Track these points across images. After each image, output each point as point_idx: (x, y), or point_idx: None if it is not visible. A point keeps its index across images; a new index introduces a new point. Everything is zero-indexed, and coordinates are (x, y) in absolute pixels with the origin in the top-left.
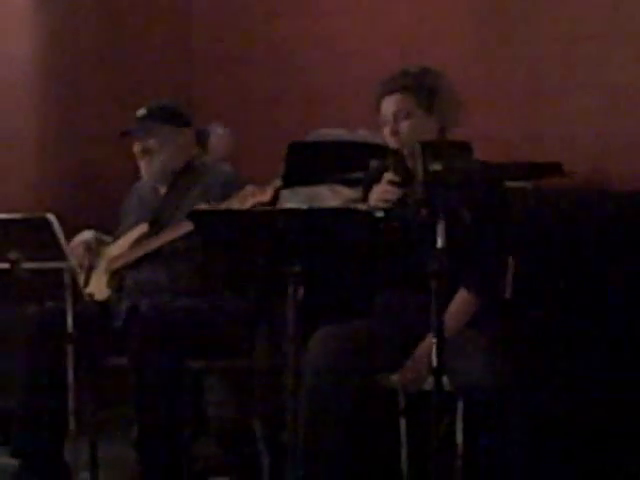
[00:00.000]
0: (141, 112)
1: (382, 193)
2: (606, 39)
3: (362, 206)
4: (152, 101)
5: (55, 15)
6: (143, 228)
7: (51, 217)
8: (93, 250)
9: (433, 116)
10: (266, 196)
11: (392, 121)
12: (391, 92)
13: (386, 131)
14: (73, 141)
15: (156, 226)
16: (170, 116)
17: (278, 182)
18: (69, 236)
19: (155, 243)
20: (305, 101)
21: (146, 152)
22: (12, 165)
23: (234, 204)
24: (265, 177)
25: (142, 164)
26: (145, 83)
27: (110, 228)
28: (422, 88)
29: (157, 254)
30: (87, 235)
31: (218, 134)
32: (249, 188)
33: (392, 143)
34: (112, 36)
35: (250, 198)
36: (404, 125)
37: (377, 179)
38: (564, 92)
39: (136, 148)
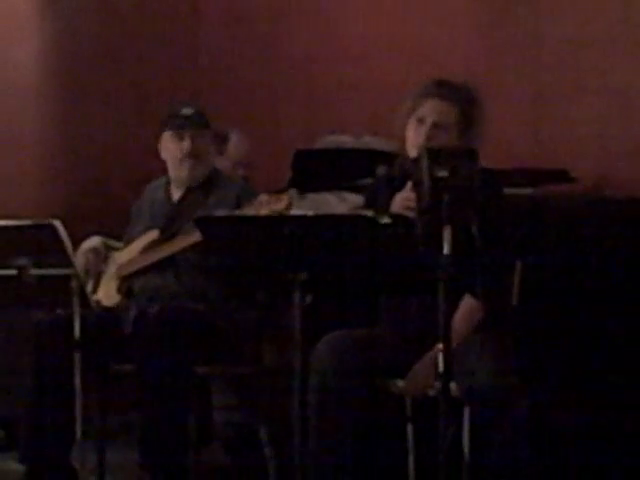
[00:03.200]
0: (189, 110)
1: (406, 201)
2: (612, 44)
3: (368, 213)
4: (188, 102)
5: (59, 19)
6: (154, 235)
7: (57, 223)
8: (101, 256)
9: (461, 138)
10: (282, 204)
11: (430, 125)
12: (444, 98)
13: (419, 129)
14: (79, 147)
15: (167, 234)
16: (207, 120)
17: (293, 191)
18: (75, 242)
19: (165, 251)
20: (309, 105)
21: (194, 153)
22: (18, 171)
23: (248, 212)
24: (268, 180)
25: (184, 164)
26: (150, 87)
27: (116, 234)
28: (468, 110)
29: (166, 261)
30: (94, 241)
31: (235, 139)
32: (263, 197)
33: (414, 143)
34: (117, 40)
35: (265, 206)
36: (439, 135)
37: (381, 186)
38: (570, 97)
39: (183, 146)
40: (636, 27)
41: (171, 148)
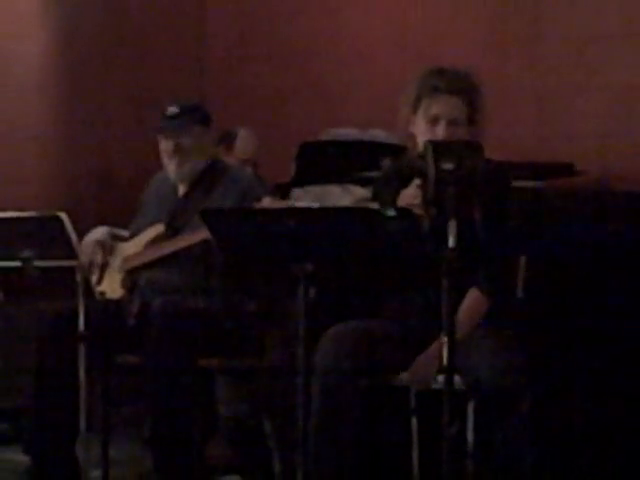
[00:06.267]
0: (173, 110)
1: (411, 197)
2: (615, 41)
3: (373, 205)
4: (180, 99)
5: (62, 17)
6: (159, 228)
7: (63, 215)
8: (107, 248)
9: (470, 130)
10: None
11: (446, 125)
12: (454, 93)
13: (434, 129)
14: (84, 140)
15: (172, 227)
16: (201, 115)
17: (295, 194)
18: (80, 234)
19: (171, 247)
20: (316, 100)
21: (178, 151)
22: (23, 164)
23: None
24: (273, 174)
25: (171, 163)
26: (156, 82)
27: (121, 226)
28: (475, 101)
29: (170, 255)
30: (101, 232)
31: (242, 136)
32: (266, 200)
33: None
34: (122, 36)
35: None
36: (456, 133)
37: (389, 179)
38: (573, 93)
39: (166, 146)
40: (638, 23)
41: (161, 148)
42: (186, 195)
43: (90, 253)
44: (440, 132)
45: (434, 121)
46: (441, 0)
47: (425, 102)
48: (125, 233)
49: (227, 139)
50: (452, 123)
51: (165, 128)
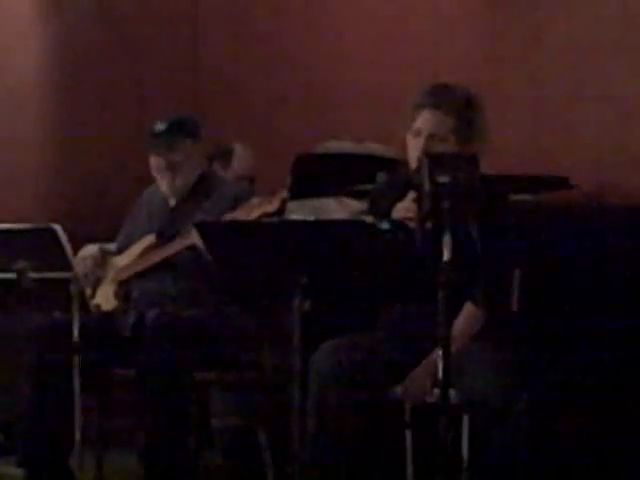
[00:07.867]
0: (161, 126)
1: (406, 211)
2: (612, 51)
3: (368, 218)
4: (169, 115)
5: (60, 24)
6: (150, 239)
7: (57, 227)
8: (99, 263)
9: (461, 145)
10: (272, 206)
11: (426, 138)
12: (436, 107)
13: (416, 142)
14: (79, 152)
15: (163, 238)
16: (190, 130)
17: (284, 193)
18: (75, 246)
19: (162, 254)
20: (309, 112)
21: (169, 168)
22: (18, 175)
23: (239, 215)
24: (268, 185)
25: (163, 179)
26: (150, 93)
27: (114, 238)
28: (465, 116)
29: (164, 265)
30: (92, 249)
31: (238, 153)
32: (255, 200)
33: (414, 155)
34: (117, 46)
35: (256, 209)
36: (436, 147)
37: (385, 192)
38: (569, 104)
39: (157, 163)
40: (635, 34)
41: (151, 164)
42: (177, 206)
43: (83, 268)
44: (419, 145)
45: (417, 134)
46: (439, 11)
47: (414, 117)
48: (112, 246)
49: (223, 155)
50: (432, 137)
51: (155, 145)
